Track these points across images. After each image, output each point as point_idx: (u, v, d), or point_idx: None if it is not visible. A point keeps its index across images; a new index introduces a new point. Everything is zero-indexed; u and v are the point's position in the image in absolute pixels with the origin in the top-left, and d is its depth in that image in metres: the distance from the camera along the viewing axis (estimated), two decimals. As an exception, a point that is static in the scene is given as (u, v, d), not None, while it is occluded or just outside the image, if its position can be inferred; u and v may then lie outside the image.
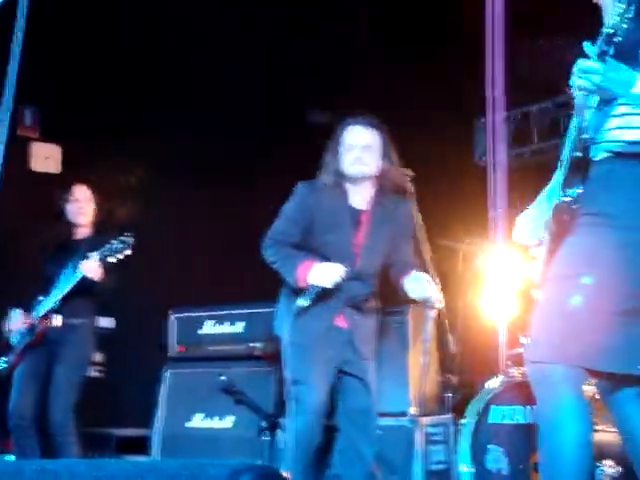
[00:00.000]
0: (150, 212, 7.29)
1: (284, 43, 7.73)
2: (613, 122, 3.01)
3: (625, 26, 2.78)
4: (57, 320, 5.75)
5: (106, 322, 6.25)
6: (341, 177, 4.67)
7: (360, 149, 4.62)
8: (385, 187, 4.72)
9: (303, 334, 4.62)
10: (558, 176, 3.19)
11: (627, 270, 2.90)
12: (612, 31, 2.80)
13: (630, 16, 2.77)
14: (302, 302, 4.59)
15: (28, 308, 5.91)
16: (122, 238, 5.53)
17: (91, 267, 5.51)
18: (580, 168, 3.03)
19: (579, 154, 3.02)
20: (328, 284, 4.56)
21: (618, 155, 3.00)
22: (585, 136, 3.02)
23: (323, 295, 4.57)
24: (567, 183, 3.06)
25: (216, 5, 7.26)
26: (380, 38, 7.68)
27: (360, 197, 4.67)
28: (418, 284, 4.55)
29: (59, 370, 5.73)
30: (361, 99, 7.43)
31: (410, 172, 4.81)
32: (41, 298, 5.86)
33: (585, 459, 2.95)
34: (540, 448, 3.04)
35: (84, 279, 5.59)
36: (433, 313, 5.56)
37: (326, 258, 4.59)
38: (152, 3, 7.06)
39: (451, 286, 5.90)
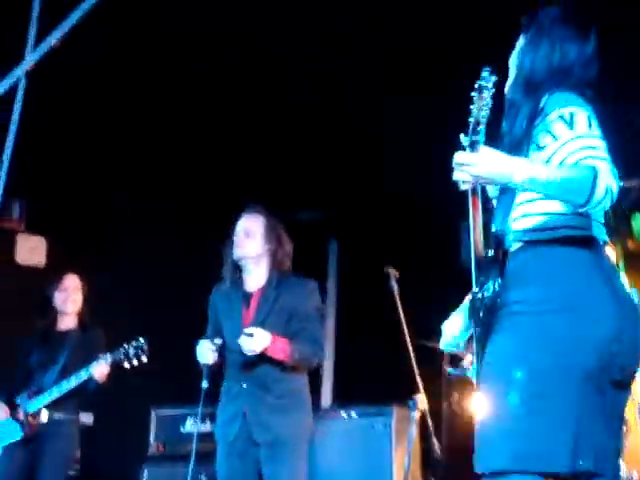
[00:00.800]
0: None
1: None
2: (517, 211, 3.00)
3: (484, 114, 2.78)
4: (45, 416, 5.66)
5: (85, 417, 6.20)
6: (235, 266, 4.86)
7: (241, 234, 4.82)
8: (281, 267, 4.85)
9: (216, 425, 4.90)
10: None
11: (551, 352, 2.77)
12: (474, 120, 2.80)
13: (486, 104, 2.78)
14: (203, 384, 4.79)
15: (10, 400, 5.78)
16: (135, 344, 5.51)
17: (103, 370, 5.49)
18: (496, 262, 2.96)
19: (490, 252, 2.97)
20: (201, 360, 4.71)
21: (528, 243, 2.96)
22: (493, 229, 3.01)
23: (221, 375, 4.75)
24: (484, 277, 2.96)
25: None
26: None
27: (253, 280, 4.80)
28: (247, 338, 4.51)
29: (46, 467, 5.63)
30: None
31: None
32: (26, 392, 5.75)
33: None
34: None
35: (89, 380, 5.54)
36: (416, 413, 5.58)
37: (227, 343, 4.74)
38: (133, 104, 7.01)
39: (437, 385, 5.92)
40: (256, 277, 4.82)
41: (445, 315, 5.37)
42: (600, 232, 2.99)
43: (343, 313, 9.05)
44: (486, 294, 2.91)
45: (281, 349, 4.60)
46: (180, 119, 7.37)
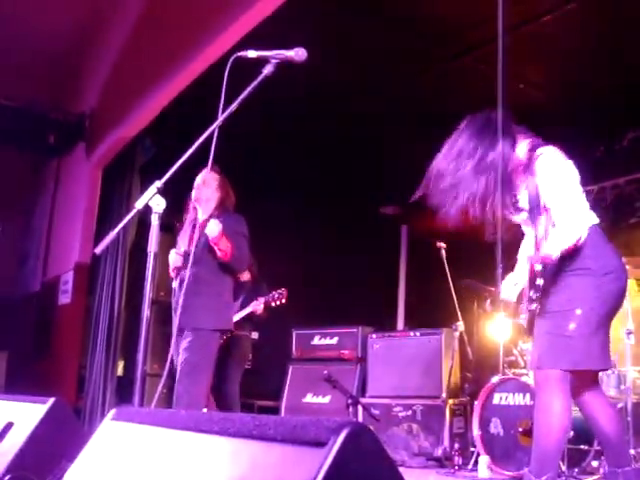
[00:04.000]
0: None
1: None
2: None
3: None
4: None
5: (255, 335, 6.19)
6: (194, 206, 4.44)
7: (199, 183, 4.37)
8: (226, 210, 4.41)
9: None
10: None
11: (600, 303, 2.86)
12: None
13: None
14: (173, 283, 4.35)
15: None
16: (280, 291, 5.59)
17: (259, 307, 5.61)
18: None
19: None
20: (171, 263, 4.28)
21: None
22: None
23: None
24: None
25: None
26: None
27: (203, 215, 4.38)
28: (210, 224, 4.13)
29: (231, 364, 5.64)
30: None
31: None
32: None
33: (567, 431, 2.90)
34: (536, 424, 2.92)
35: (252, 312, 5.65)
36: (457, 333, 5.75)
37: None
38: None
39: (470, 316, 5.94)
40: (205, 213, 4.37)
41: (474, 274, 5.64)
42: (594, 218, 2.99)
43: (411, 272, 9.17)
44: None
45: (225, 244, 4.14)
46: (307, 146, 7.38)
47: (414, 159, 7.15)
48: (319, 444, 1.13)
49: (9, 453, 2.33)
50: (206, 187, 4.40)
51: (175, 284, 4.33)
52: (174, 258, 4.32)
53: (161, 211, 2.72)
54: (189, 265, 3.60)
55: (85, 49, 9.16)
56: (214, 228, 4.12)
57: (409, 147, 6.86)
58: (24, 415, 2.49)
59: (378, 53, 5.88)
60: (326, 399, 6.36)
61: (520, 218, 3.14)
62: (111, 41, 8.06)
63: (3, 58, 8.58)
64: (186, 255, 4.27)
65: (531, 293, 2.94)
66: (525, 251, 3.27)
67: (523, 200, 3.05)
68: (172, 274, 4.38)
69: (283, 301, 5.64)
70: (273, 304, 5.66)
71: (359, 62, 6.02)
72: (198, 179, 4.41)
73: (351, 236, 8.32)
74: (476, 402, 5.01)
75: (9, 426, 2.52)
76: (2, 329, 10.22)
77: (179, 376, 4.08)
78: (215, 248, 4.17)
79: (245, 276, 6.00)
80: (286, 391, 6.69)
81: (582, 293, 2.88)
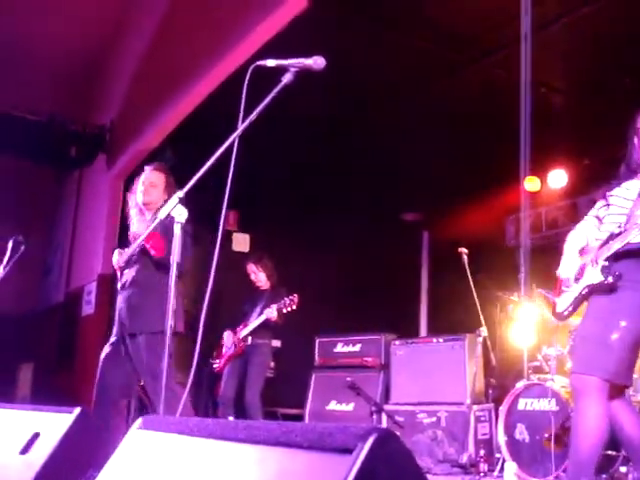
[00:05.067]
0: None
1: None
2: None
3: None
4: (249, 340, 5.88)
5: (276, 342, 6.33)
6: (140, 209, 4.29)
7: (147, 184, 4.23)
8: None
9: None
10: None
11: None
12: None
13: None
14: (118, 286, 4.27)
15: (234, 330, 6.00)
16: (291, 297, 5.61)
17: (272, 313, 5.64)
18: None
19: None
20: (114, 263, 4.17)
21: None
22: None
23: None
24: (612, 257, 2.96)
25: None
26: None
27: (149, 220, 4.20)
28: None
29: (252, 372, 5.80)
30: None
31: None
32: (241, 325, 5.97)
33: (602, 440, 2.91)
34: (573, 428, 2.97)
35: (268, 319, 5.70)
36: (481, 339, 5.66)
37: None
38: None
39: (493, 322, 5.91)
40: (149, 214, 4.23)
41: (495, 279, 5.58)
42: None
43: (433, 278, 9.17)
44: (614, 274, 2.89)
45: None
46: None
47: (434, 164, 7.29)
48: (346, 451, 1.12)
49: (36, 464, 2.34)
50: (154, 188, 4.23)
51: (118, 285, 4.24)
52: (115, 257, 4.20)
53: (183, 221, 2.74)
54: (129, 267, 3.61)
55: (104, 61, 9.27)
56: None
57: (428, 152, 6.89)
58: (50, 425, 2.50)
59: (395, 58, 5.88)
60: (350, 406, 6.31)
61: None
62: (130, 53, 8.14)
63: (24, 74, 8.70)
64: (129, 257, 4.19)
65: (581, 284, 3.01)
66: (578, 243, 3.27)
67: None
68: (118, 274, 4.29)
69: (294, 307, 5.63)
70: (285, 310, 5.66)
71: (376, 68, 6.01)
72: (144, 180, 4.27)
73: (372, 243, 8.32)
74: (501, 408, 4.96)
75: (36, 436, 2.54)
76: (27, 340, 10.32)
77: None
78: (147, 247, 4.01)
79: (264, 284, 6.06)
80: (309, 399, 6.66)
81: (631, 308, 2.91)
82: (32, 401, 8.96)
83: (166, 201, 3.84)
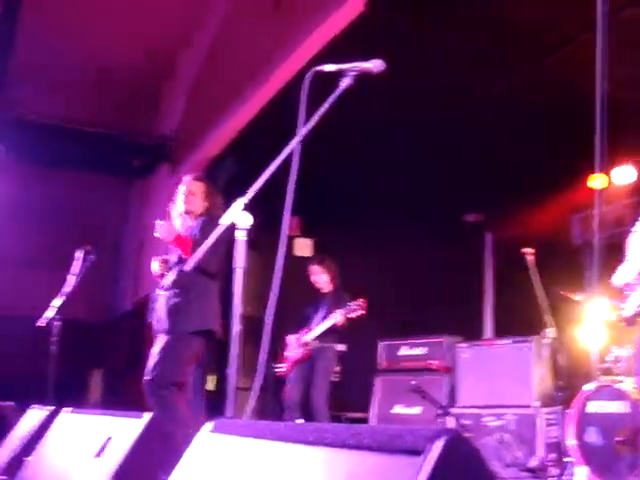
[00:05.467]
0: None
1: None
2: None
3: None
4: (315, 344, 5.86)
5: (341, 346, 6.25)
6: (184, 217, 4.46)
7: (187, 193, 4.41)
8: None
9: None
10: None
11: None
12: None
13: None
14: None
15: (297, 335, 6.00)
16: (358, 302, 5.58)
17: (339, 318, 5.64)
18: None
19: None
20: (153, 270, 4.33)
21: None
22: None
23: None
24: None
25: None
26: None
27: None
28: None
29: (317, 376, 5.79)
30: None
31: None
32: (305, 331, 5.96)
33: None
34: None
35: (333, 324, 5.70)
36: (548, 340, 5.58)
37: None
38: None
39: (561, 323, 5.80)
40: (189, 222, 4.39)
41: (562, 280, 5.49)
42: None
43: (497, 279, 9.03)
44: None
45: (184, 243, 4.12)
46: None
47: (496, 163, 7.18)
48: (415, 452, 1.12)
49: (109, 467, 2.42)
50: (193, 197, 4.41)
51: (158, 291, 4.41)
52: (156, 266, 4.38)
53: (247, 227, 2.75)
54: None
55: (165, 72, 9.46)
56: (161, 231, 4.13)
57: (490, 151, 6.80)
58: (121, 430, 2.58)
59: (455, 57, 5.83)
60: (415, 410, 6.30)
61: None
62: (190, 62, 8.29)
63: (88, 88, 8.96)
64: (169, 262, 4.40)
65: None
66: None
67: None
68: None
69: (362, 312, 5.61)
70: (352, 315, 5.63)
71: (434, 68, 5.97)
72: (184, 190, 4.44)
73: (434, 245, 8.26)
74: (570, 410, 4.85)
75: (108, 441, 2.62)
76: (98, 348, 10.62)
77: None
78: (176, 248, 4.19)
79: (326, 287, 6.07)
80: (374, 402, 6.63)
81: None
82: (103, 406, 9.19)
83: (207, 208, 4.33)
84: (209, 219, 4.26)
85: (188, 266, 3.38)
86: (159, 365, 4.12)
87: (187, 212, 4.42)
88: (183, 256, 4.15)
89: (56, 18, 8.16)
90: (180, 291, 4.21)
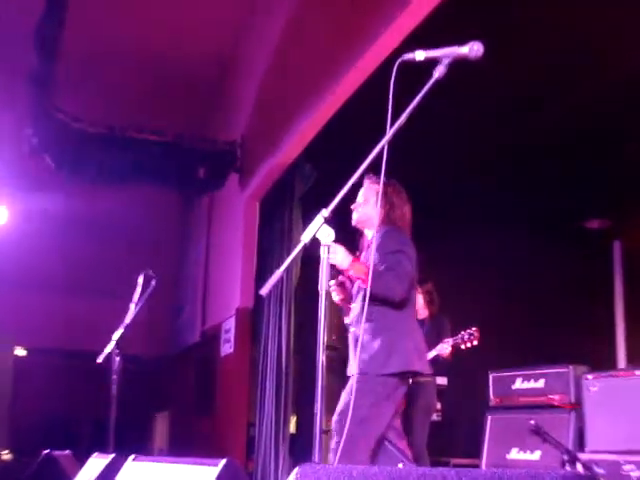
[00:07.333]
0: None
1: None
2: None
3: None
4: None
5: (442, 380, 6.31)
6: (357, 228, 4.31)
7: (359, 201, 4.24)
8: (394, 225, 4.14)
9: None
10: None
11: None
12: None
13: None
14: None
15: None
16: (470, 331, 5.64)
17: (446, 350, 5.70)
18: None
19: None
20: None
21: None
22: None
23: None
24: None
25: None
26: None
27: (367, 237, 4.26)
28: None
29: (416, 415, 5.78)
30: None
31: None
32: None
33: None
34: None
35: (436, 356, 5.72)
36: None
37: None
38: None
39: None
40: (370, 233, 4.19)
41: None
42: None
43: (630, 296, 8.86)
44: None
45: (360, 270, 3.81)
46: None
47: (623, 161, 7.04)
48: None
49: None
50: (365, 204, 4.24)
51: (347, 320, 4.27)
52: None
53: (330, 243, 2.72)
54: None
55: (230, 74, 9.69)
56: (334, 256, 3.77)
57: (617, 149, 6.69)
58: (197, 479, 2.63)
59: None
60: (535, 455, 6.13)
61: None
62: (256, 63, 8.44)
63: (148, 94, 9.24)
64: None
65: None
66: None
67: None
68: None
69: (475, 343, 5.63)
70: (463, 347, 5.67)
71: (546, 56, 5.93)
72: (358, 197, 4.28)
73: (550, 258, 8.19)
74: None
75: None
76: (162, 388, 10.88)
77: None
78: (353, 278, 3.99)
79: (421, 312, 6.09)
80: (486, 446, 6.50)
81: None
82: (170, 452, 9.41)
83: (387, 214, 4.11)
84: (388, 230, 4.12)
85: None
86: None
87: (356, 224, 4.29)
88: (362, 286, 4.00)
89: (105, 13, 8.40)
90: (366, 327, 3.97)
